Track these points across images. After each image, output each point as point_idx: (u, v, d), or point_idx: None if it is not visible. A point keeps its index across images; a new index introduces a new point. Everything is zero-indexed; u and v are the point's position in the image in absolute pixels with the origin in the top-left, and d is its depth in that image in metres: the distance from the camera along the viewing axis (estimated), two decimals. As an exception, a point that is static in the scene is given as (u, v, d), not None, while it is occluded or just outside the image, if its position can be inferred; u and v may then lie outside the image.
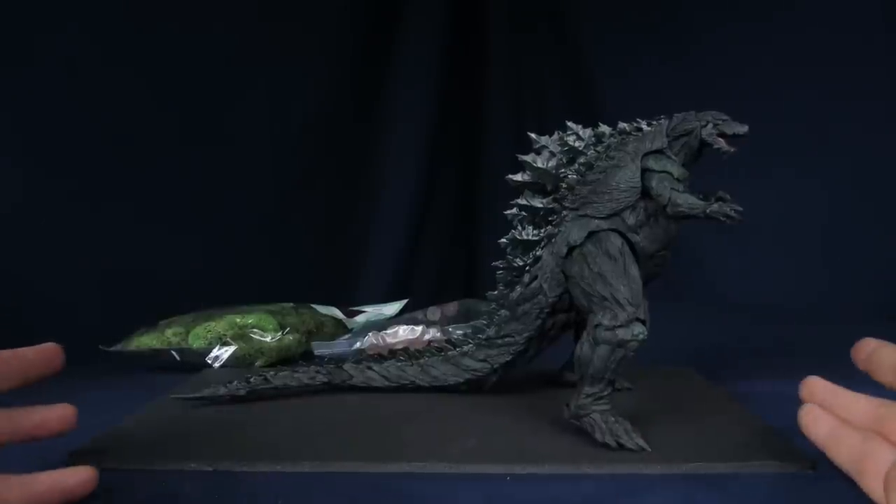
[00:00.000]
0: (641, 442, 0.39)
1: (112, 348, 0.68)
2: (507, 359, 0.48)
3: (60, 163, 0.77)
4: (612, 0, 0.99)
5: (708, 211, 0.41)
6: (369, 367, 0.51)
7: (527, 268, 0.46)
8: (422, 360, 0.51)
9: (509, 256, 0.47)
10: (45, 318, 0.72)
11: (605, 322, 0.40)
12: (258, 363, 0.68)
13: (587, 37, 1.00)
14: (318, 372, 0.51)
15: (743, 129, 0.43)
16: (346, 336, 0.70)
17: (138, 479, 0.38)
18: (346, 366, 0.51)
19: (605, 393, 0.41)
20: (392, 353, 0.52)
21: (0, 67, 0.74)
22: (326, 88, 0.96)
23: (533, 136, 0.46)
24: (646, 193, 0.43)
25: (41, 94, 0.76)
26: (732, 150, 0.42)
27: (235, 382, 0.49)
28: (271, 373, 0.50)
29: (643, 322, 0.40)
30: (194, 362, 0.66)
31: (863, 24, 0.88)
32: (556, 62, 1.04)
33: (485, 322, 0.49)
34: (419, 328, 0.68)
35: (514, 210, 0.47)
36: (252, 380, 0.49)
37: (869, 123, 0.88)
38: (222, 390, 0.49)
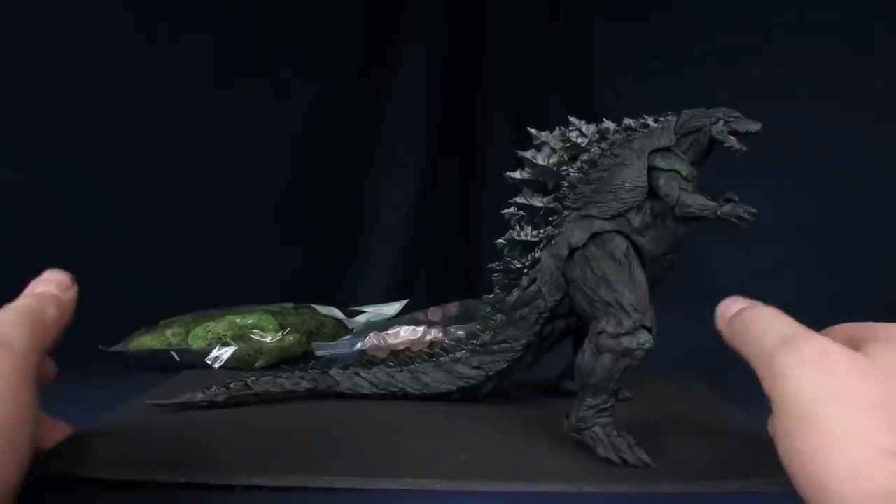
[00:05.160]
0: (646, 458, 0.35)
1: (112, 349, 0.65)
2: (504, 366, 0.44)
3: (60, 163, 0.73)
4: (614, 0, 0.95)
5: (719, 213, 0.36)
6: (357, 373, 0.46)
7: (525, 270, 0.42)
8: (412, 367, 0.46)
9: (507, 258, 0.42)
10: None
11: (609, 329, 0.36)
12: (258, 364, 0.65)
13: (588, 37, 0.97)
14: (302, 378, 0.46)
15: (756, 126, 0.38)
16: (347, 336, 0.67)
17: (101, 491, 0.34)
18: (332, 371, 0.46)
19: (608, 405, 0.36)
20: (381, 359, 0.47)
21: (1, 69, 0.70)
22: (326, 88, 0.92)
23: (533, 131, 0.42)
24: (652, 193, 0.39)
25: (41, 96, 0.72)
26: (744, 148, 0.38)
27: (214, 388, 0.44)
28: (252, 378, 0.45)
29: (649, 330, 0.36)
30: (194, 363, 0.63)
31: (862, 25, 0.84)
32: (557, 63, 1.00)
33: (480, 327, 0.44)
34: (421, 328, 0.64)
35: (513, 209, 0.42)
36: (232, 385, 0.45)
37: (869, 123, 0.84)
38: (199, 396, 0.44)
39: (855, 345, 0.26)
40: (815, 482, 0.23)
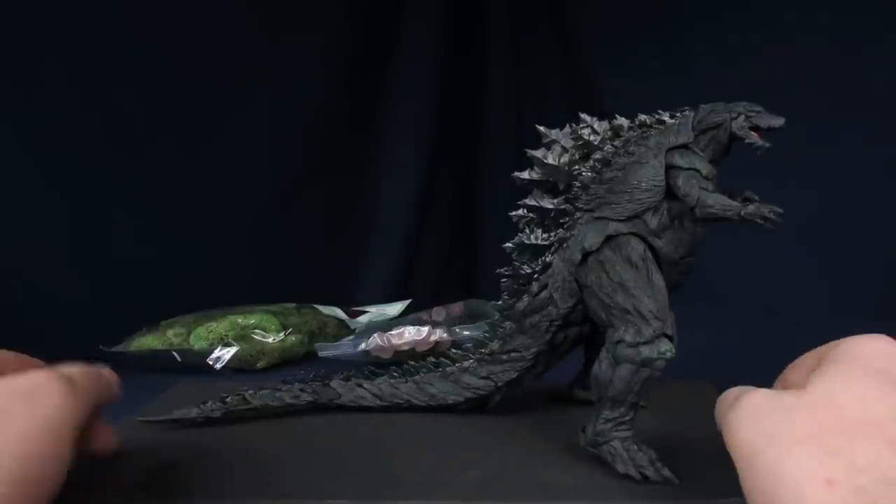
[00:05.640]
0: (668, 474, 0.32)
1: (113, 349, 0.63)
2: (513, 376, 0.40)
3: (61, 164, 0.71)
4: (614, 0, 0.92)
5: (743, 213, 0.33)
6: (359, 385, 0.43)
7: (535, 275, 0.38)
8: (417, 377, 0.42)
9: (516, 262, 0.39)
10: (47, 319, 0.67)
11: (628, 338, 0.33)
12: (260, 364, 0.62)
13: (588, 37, 0.94)
14: (302, 390, 0.43)
15: (779, 121, 0.35)
16: (350, 337, 0.64)
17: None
18: (334, 383, 0.43)
19: (628, 418, 0.33)
20: (385, 366, 0.43)
21: (1, 70, 0.68)
22: (326, 88, 0.89)
23: (542, 129, 0.38)
24: (670, 193, 0.35)
25: (41, 95, 0.70)
26: (767, 145, 0.35)
27: (210, 402, 0.41)
28: (250, 392, 0.42)
29: (670, 338, 0.33)
30: (195, 363, 0.61)
31: (862, 26, 0.82)
32: (557, 63, 0.98)
33: (488, 335, 0.41)
34: (425, 329, 0.61)
35: (522, 211, 0.39)
36: (229, 399, 0.41)
37: (869, 123, 0.81)
38: (195, 411, 0.41)
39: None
40: None
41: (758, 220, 0.32)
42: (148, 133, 0.76)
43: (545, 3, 0.96)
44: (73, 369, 0.29)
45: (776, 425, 0.24)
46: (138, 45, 0.74)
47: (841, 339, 0.27)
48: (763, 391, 0.26)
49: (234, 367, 0.61)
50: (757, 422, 0.24)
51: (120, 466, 0.35)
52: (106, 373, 0.33)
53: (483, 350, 0.41)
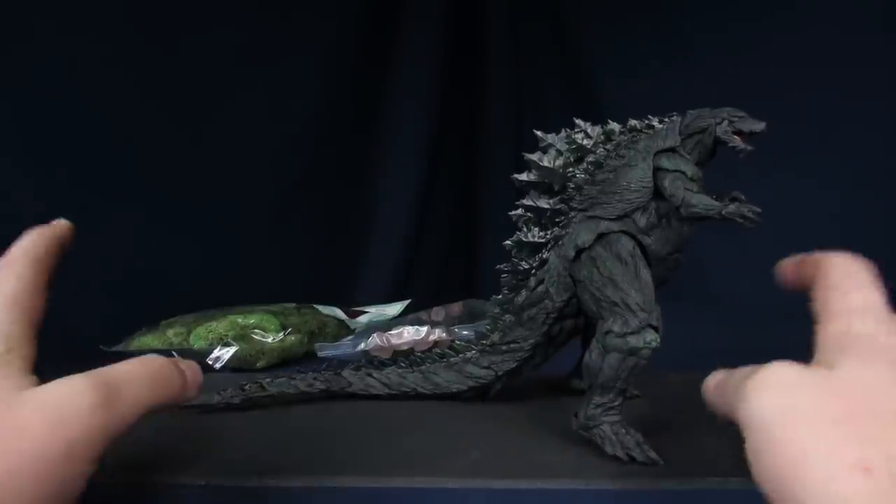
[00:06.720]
0: (654, 455, 0.36)
1: (113, 348, 0.65)
2: (513, 366, 0.45)
3: (61, 162, 0.73)
4: (614, 0, 0.95)
5: (724, 212, 0.37)
6: (369, 374, 0.47)
7: (533, 271, 0.43)
8: (423, 367, 0.47)
9: (514, 259, 0.43)
10: (47, 319, 0.68)
11: (616, 329, 0.37)
12: (259, 364, 0.65)
13: (588, 37, 0.97)
14: (315, 379, 0.47)
15: (760, 126, 0.39)
16: (350, 337, 0.67)
17: (124, 494, 0.34)
18: (345, 372, 0.47)
19: (616, 403, 0.37)
20: (392, 360, 0.48)
21: (0, 68, 0.70)
22: (327, 87, 0.92)
23: (539, 133, 0.43)
24: (658, 194, 0.40)
25: (42, 93, 0.72)
26: (749, 148, 0.39)
27: (230, 390, 0.45)
28: (267, 380, 0.46)
29: (656, 329, 0.37)
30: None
31: (863, 23, 0.84)
32: (557, 62, 1.01)
33: (489, 327, 0.45)
34: (424, 329, 0.64)
35: (520, 211, 0.43)
36: (247, 387, 0.46)
37: (869, 123, 0.84)
38: (216, 398, 0.45)
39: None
40: (790, 501, 0.22)
41: (737, 219, 0.36)
42: (147, 132, 0.78)
43: (545, 3, 0.99)
44: (129, 369, 0.29)
45: (805, 401, 0.23)
46: (139, 46, 0.77)
47: (853, 314, 0.26)
48: (787, 364, 0.25)
49: (233, 367, 0.63)
50: (783, 394, 0.24)
51: (145, 446, 0.39)
52: (177, 369, 0.31)
53: (485, 341, 0.45)
